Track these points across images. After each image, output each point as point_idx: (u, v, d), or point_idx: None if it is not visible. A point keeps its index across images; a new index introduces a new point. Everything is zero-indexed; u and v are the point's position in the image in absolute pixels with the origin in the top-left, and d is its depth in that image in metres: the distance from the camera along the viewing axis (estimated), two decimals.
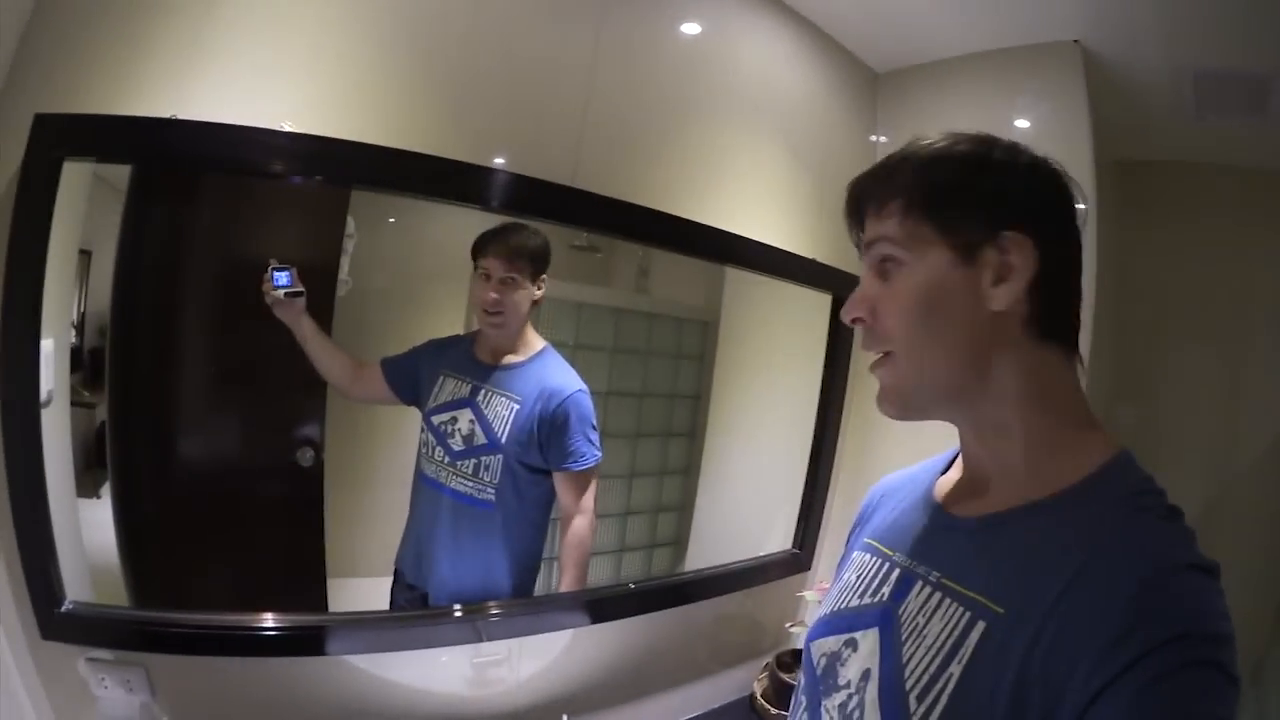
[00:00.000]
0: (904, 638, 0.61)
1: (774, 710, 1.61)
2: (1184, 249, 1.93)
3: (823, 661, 0.70)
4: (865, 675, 0.63)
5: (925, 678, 0.57)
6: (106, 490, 0.96)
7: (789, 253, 1.60)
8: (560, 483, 1.28)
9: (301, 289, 1.02)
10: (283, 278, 1.02)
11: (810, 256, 1.65)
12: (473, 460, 1.20)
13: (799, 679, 0.77)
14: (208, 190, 1.03)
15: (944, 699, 0.55)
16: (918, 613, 0.62)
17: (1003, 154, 0.61)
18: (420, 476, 1.22)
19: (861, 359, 1.80)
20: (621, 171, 1.29)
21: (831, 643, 0.70)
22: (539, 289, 1.25)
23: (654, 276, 1.63)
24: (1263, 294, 1.91)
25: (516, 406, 1.22)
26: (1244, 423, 1.98)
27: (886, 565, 0.70)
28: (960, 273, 0.59)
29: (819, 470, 1.81)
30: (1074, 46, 1.59)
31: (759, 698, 1.66)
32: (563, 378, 1.28)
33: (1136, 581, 0.49)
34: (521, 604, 1.24)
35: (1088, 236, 0.75)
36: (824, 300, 1.76)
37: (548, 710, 1.34)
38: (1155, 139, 1.94)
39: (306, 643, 1.02)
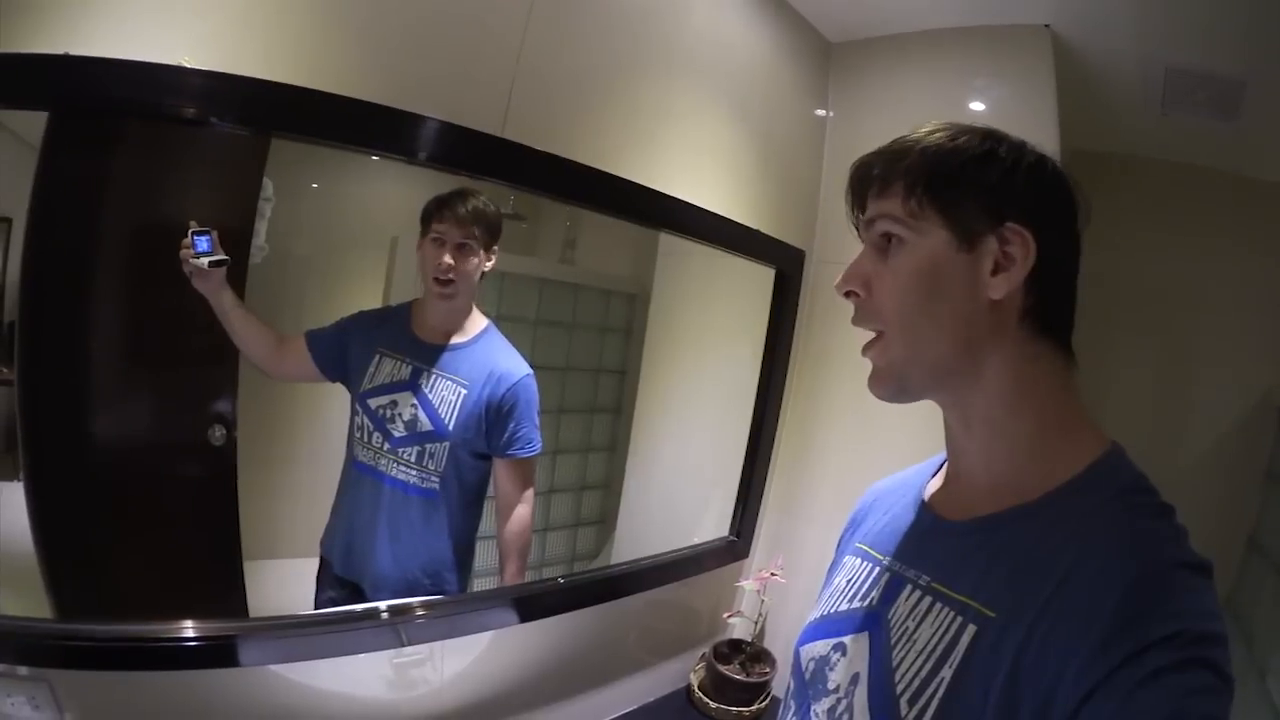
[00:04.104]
0: (893, 642, 0.65)
1: (713, 703, 1.71)
2: (1137, 244, 2.06)
3: (810, 666, 0.74)
4: (854, 679, 0.67)
5: (916, 681, 0.61)
6: None
7: (734, 222, 1.63)
8: (503, 469, 1.30)
9: (226, 257, 0.98)
10: (204, 243, 0.97)
11: (754, 227, 1.69)
12: (416, 447, 1.19)
13: (788, 684, 0.82)
14: (115, 144, 0.97)
15: (935, 702, 0.58)
16: (907, 617, 0.66)
17: (1009, 149, 0.66)
18: (353, 463, 1.20)
19: (807, 338, 1.92)
20: (555, 126, 1.27)
21: (820, 647, 0.74)
22: (489, 260, 1.27)
23: (581, 247, 1.67)
24: (1213, 293, 2.08)
25: (464, 391, 1.23)
26: (1187, 421, 2.17)
27: (876, 569, 0.74)
28: (961, 257, 0.64)
29: (758, 453, 1.88)
30: (1044, 31, 1.64)
31: (696, 690, 1.75)
32: (511, 361, 1.29)
33: (1128, 580, 0.52)
34: (449, 604, 1.25)
35: None
36: (766, 274, 1.82)
37: (475, 711, 1.36)
38: (1117, 132, 2.04)
39: (224, 654, 1.00)
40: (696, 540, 1.82)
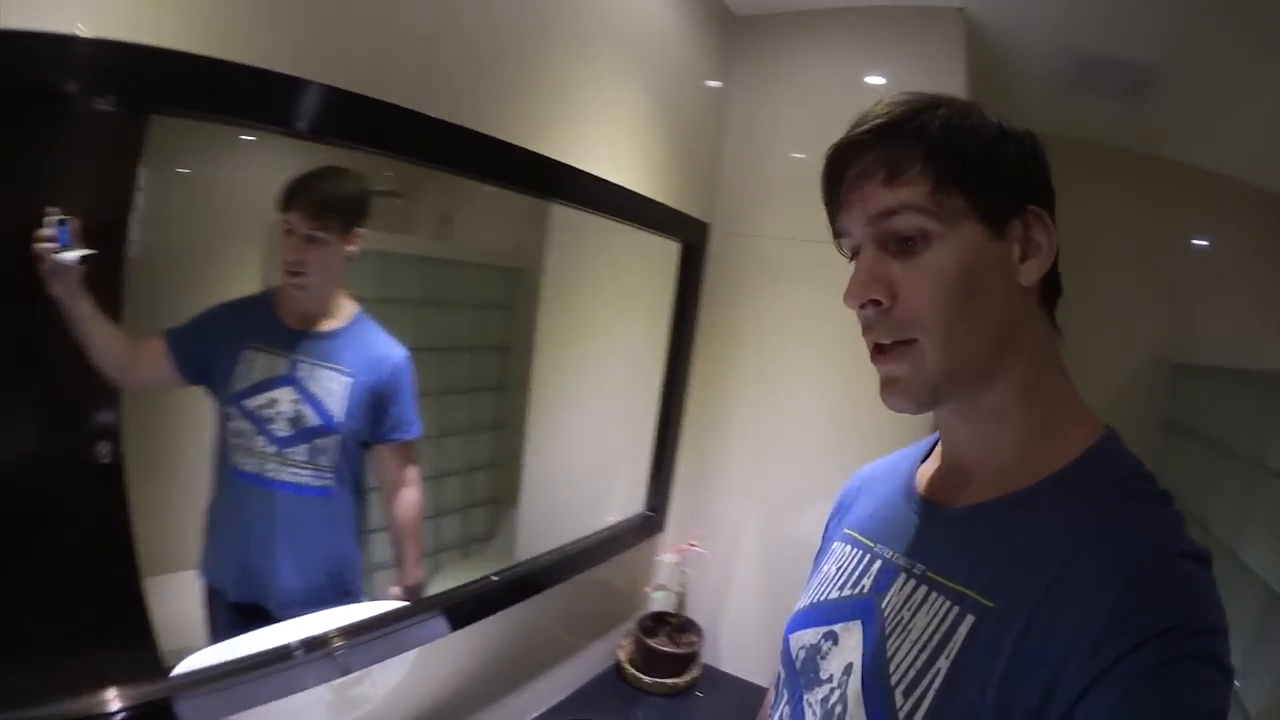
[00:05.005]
0: (888, 631, 0.63)
1: (646, 677, 1.71)
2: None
3: (801, 654, 0.72)
4: (847, 669, 0.65)
5: (911, 672, 0.59)
6: None
7: (641, 195, 1.59)
8: (387, 454, 1.25)
9: (91, 250, 0.87)
10: (65, 235, 0.85)
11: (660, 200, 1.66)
12: (305, 445, 1.10)
13: (777, 672, 0.79)
14: None
15: (931, 694, 0.56)
16: (902, 606, 0.63)
17: (1009, 125, 0.63)
18: (235, 474, 1.08)
19: (710, 311, 1.93)
20: (445, 93, 1.15)
21: (810, 635, 0.72)
22: (353, 244, 1.17)
23: (459, 222, 1.60)
24: (1110, 261, 2.23)
25: (349, 380, 1.14)
26: (1088, 376, 2.33)
27: (867, 557, 0.72)
28: (994, 246, 0.60)
29: (669, 427, 1.90)
30: (957, 14, 1.65)
31: (626, 665, 1.75)
32: (387, 344, 1.23)
33: (1129, 570, 0.51)
34: (384, 621, 1.17)
35: None
36: (665, 247, 1.81)
37: None
38: (1022, 109, 2.09)
39: None
40: (608, 514, 1.81)
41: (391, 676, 1.24)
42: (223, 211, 1.16)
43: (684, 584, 1.89)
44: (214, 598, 1.10)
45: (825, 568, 0.78)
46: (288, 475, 1.11)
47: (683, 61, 1.77)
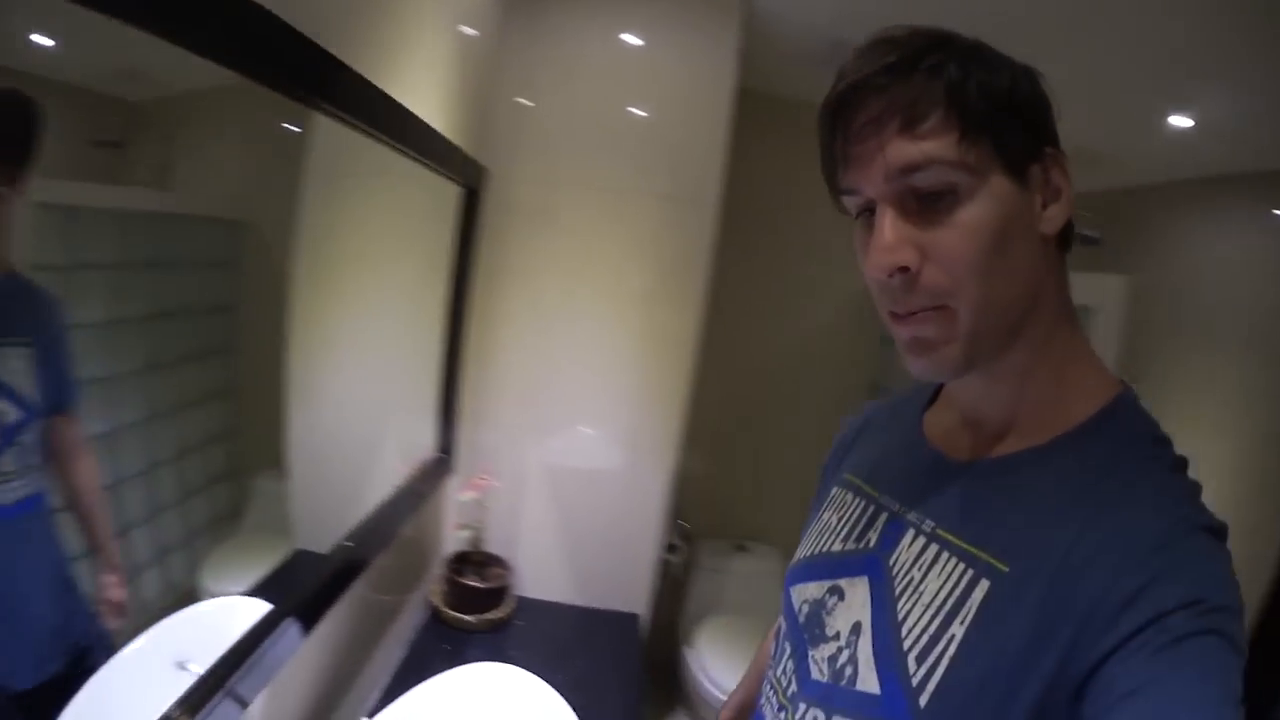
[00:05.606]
0: (898, 592, 0.60)
1: (468, 616, 1.69)
2: (785, 169, 2.44)
3: (805, 608, 0.69)
4: (856, 629, 0.62)
5: (925, 638, 0.55)
6: None
7: (436, 130, 1.41)
8: (63, 424, 1.03)
9: None
10: None
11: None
12: (11, 449, 0.85)
13: (778, 624, 0.75)
14: None
15: (946, 660, 0.54)
16: (912, 565, 0.60)
17: (1013, 60, 0.56)
18: None
19: (486, 255, 1.85)
20: None
21: (814, 589, 0.68)
22: (19, 188, 0.91)
23: (185, 171, 1.34)
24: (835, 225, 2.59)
25: (29, 350, 0.90)
26: (816, 297, 2.76)
27: (872, 508, 0.68)
28: (1020, 196, 0.54)
29: (453, 370, 1.84)
30: None
31: (444, 609, 1.71)
32: (43, 296, 0.98)
33: (1150, 542, 0.49)
34: (261, 633, 1.01)
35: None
36: (445, 193, 1.68)
37: None
38: (783, 79, 2.37)
39: None
40: (397, 462, 1.68)
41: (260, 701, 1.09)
42: None
43: (482, 520, 1.84)
44: None
45: (825, 516, 0.74)
46: (3, 497, 0.86)
47: (470, 10, 1.63)
